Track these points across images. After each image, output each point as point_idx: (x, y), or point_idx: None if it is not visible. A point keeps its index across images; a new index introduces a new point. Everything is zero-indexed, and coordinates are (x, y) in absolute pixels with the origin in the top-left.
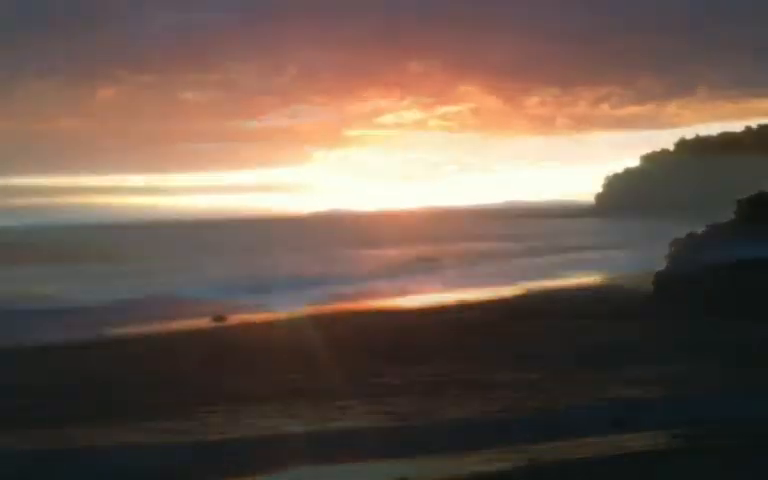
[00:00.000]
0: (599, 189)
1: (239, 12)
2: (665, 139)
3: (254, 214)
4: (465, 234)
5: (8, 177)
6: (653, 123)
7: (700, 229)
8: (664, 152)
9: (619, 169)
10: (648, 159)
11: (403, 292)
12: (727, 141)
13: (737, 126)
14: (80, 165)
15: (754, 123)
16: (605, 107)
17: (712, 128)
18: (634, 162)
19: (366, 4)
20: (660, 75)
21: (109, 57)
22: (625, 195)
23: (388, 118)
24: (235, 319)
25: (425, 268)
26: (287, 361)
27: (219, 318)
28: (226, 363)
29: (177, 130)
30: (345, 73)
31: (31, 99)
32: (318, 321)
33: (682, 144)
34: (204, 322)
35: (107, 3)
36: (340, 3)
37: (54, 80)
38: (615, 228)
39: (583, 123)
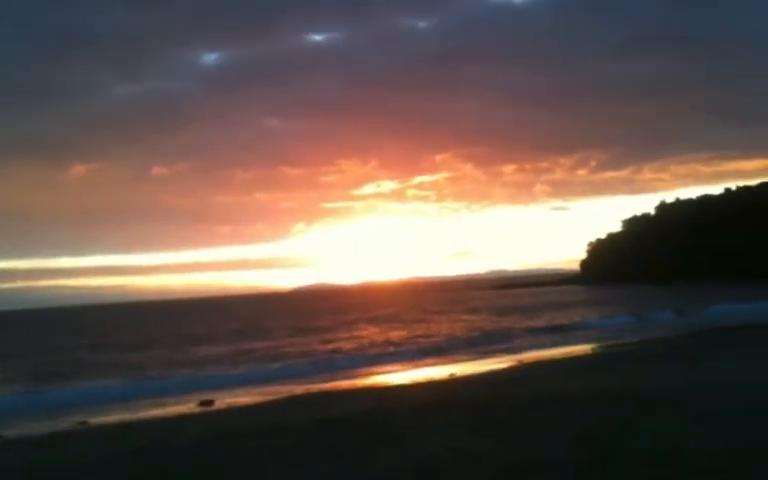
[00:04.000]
0: (583, 255)
1: (201, 81)
2: (644, 203)
3: (236, 291)
4: (467, 306)
5: None
6: (631, 188)
7: None
8: (645, 216)
9: (601, 234)
10: (630, 224)
11: (401, 370)
12: (706, 203)
13: (714, 189)
14: (51, 246)
15: (732, 185)
16: (583, 173)
17: (690, 191)
18: (615, 227)
19: (336, 72)
20: (635, 140)
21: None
22: (610, 260)
23: (366, 189)
24: (222, 403)
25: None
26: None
27: (206, 402)
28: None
29: (150, 206)
30: (319, 143)
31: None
32: (309, 402)
33: (662, 208)
34: (190, 407)
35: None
36: (306, 71)
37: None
38: (620, 295)
39: (561, 189)
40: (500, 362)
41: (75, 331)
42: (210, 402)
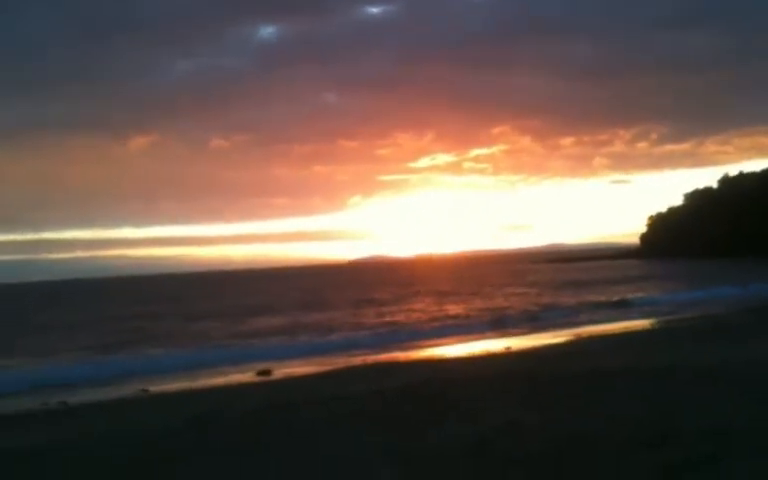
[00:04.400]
0: (643, 229)
1: (259, 56)
2: (706, 177)
3: (294, 262)
4: (525, 280)
5: (42, 231)
6: (693, 161)
7: None
8: (708, 190)
9: (662, 208)
10: (692, 197)
11: (457, 343)
12: None
13: None
14: (114, 217)
15: None
16: (643, 146)
17: (754, 164)
18: (677, 201)
19: (392, 45)
20: (698, 112)
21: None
22: (671, 235)
23: (422, 162)
24: (281, 373)
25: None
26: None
27: (264, 372)
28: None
29: (210, 178)
30: (375, 117)
31: (61, 151)
32: (367, 373)
33: (726, 181)
34: (249, 376)
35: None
36: (363, 45)
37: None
38: (679, 270)
39: (621, 162)
40: (557, 336)
41: (137, 301)
42: (268, 372)
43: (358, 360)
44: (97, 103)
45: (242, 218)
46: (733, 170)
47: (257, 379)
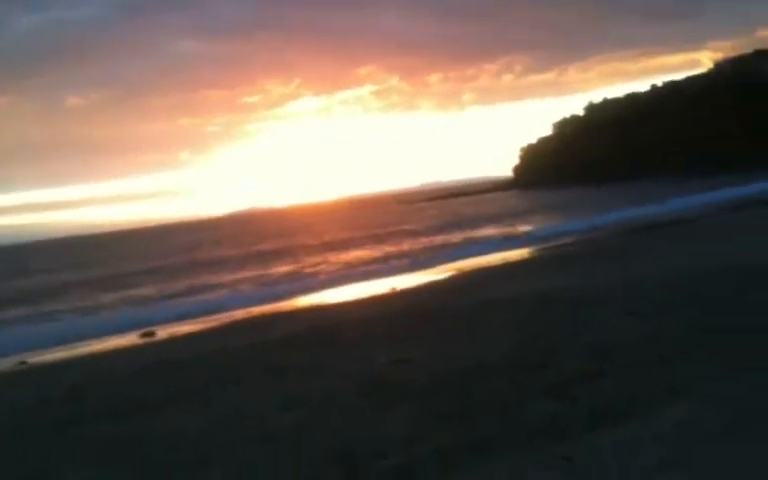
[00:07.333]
0: (515, 161)
1: (111, 6)
2: (572, 105)
3: (166, 220)
4: (403, 220)
5: None
6: (558, 90)
7: None
8: (575, 117)
9: (532, 139)
10: (560, 126)
11: (341, 289)
12: (633, 101)
13: (640, 85)
14: None
15: (658, 80)
16: (508, 78)
17: (615, 89)
18: (546, 131)
19: None
20: (558, 42)
21: None
22: (544, 164)
23: (291, 107)
24: (165, 334)
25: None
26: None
27: (147, 334)
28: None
29: (65, 138)
30: (239, 65)
31: None
32: (250, 326)
33: (591, 108)
34: (132, 340)
35: None
36: None
37: None
38: (554, 199)
39: (488, 96)
40: (439, 272)
41: (3, 273)
42: (152, 333)
43: (242, 314)
44: None
45: (107, 177)
46: (596, 96)
47: (140, 342)
